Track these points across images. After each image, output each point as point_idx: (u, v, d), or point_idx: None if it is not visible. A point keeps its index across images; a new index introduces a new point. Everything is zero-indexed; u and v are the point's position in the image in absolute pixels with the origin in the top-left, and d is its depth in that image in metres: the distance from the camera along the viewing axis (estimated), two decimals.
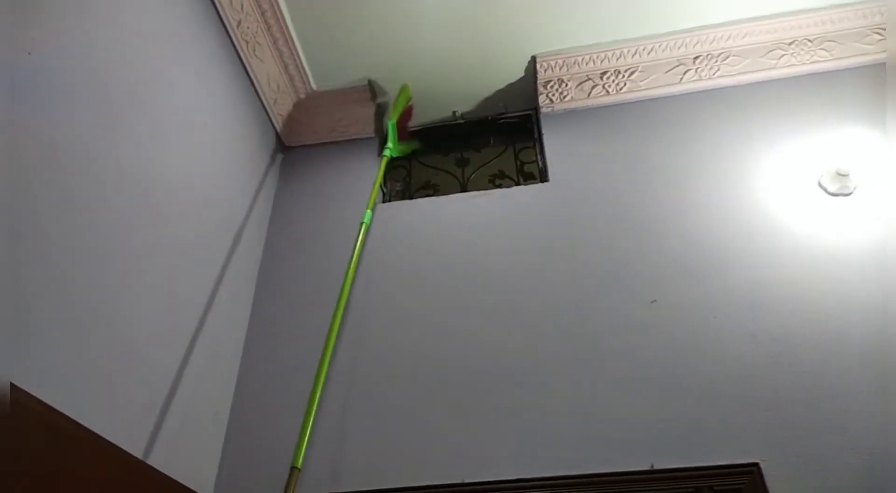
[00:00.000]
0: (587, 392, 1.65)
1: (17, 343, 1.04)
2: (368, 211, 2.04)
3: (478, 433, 1.63)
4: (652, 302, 1.76)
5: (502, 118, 2.55)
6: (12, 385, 0.95)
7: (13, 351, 1.01)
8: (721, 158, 2.10)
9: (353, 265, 1.88)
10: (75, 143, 1.25)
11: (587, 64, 2.41)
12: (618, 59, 2.39)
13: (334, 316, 1.73)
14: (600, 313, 1.80)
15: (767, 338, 1.66)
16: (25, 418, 0.98)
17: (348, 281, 1.84)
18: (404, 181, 2.43)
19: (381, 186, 2.27)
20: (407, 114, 2.42)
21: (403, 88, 2.37)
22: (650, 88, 2.35)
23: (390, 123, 2.33)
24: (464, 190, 2.28)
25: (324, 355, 1.64)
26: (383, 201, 2.26)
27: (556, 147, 2.29)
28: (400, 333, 1.88)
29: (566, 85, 2.41)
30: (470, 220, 2.10)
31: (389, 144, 2.28)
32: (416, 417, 1.69)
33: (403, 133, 2.41)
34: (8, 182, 1.05)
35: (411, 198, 2.24)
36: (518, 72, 2.45)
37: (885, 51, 2.22)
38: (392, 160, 2.31)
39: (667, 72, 2.37)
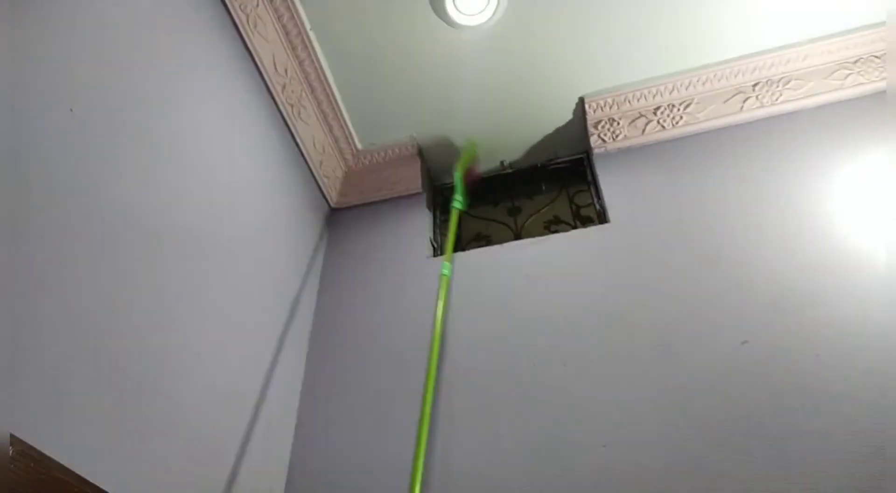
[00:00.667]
0: (679, 444, 1.45)
1: (58, 418, 0.96)
2: (446, 263, 1.98)
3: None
4: (743, 343, 1.56)
5: (553, 164, 2.45)
6: (48, 458, 0.86)
7: (55, 427, 0.93)
8: (792, 184, 1.92)
9: (439, 323, 1.80)
10: (120, 203, 1.21)
11: (639, 100, 2.31)
12: (671, 93, 2.29)
13: (427, 377, 1.63)
14: (685, 359, 1.60)
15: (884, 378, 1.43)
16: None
17: (436, 343, 1.76)
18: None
19: (430, 240, 2.19)
20: (472, 170, 2.38)
21: (471, 144, 2.35)
22: (709, 120, 2.22)
23: (457, 175, 2.27)
24: (517, 238, 2.16)
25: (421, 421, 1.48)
26: (433, 256, 2.16)
27: (613, 187, 2.16)
28: (467, 396, 1.72)
29: (618, 123, 2.31)
30: (528, 268, 1.97)
31: (458, 197, 2.21)
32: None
33: (469, 185, 2.36)
34: (51, 241, 1.00)
35: (463, 250, 2.13)
36: (566, 115, 2.37)
37: None
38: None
39: (726, 101, 2.24)
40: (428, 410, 1.55)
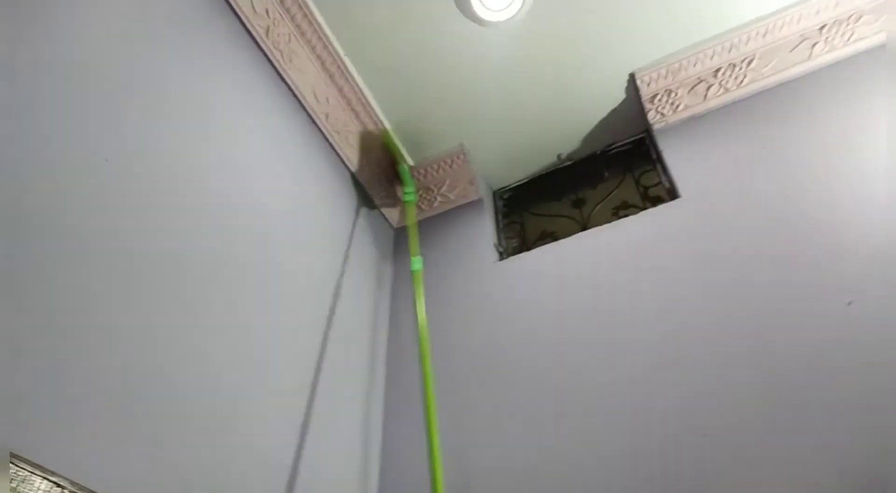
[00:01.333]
0: (793, 424, 1.29)
1: (116, 451, 0.97)
2: (415, 257, 1.95)
3: None
4: (849, 304, 1.38)
5: (613, 148, 2.33)
6: None
7: (109, 461, 0.94)
8: (877, 129, 1.72)
9: (423, 327, 1.76)
10: (179, 245, 1.24)
11: (695, 65, 2.16)
12: (730, 52, 2.12)
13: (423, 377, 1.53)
14: (789, 328, 1.44)
15: None
16: None
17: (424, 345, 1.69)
18: (519, 236, 2.26)
19: (495, 245, 2.13)
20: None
21: (384, 134, 2.26)
22: (776, 73, 2.04)
23: (401, 168, 2.26)
24: (585, 230, 2.05)
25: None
26: (500, 259, 2.09)
27: (680, 161, 2.02)
28: (551, 400, 1.63)
29: (675, 94, 2.17)
30: (596, 257, 1.86)
31: (409, 189, 2.21)
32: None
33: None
34: (108, 284, 1.03)
35: (529, 250, 2.05)
36: (618, 95, 2.25)
37: None
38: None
39: (791, 51, 2.05)
40: (432, 413, 1.45)
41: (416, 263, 1.91)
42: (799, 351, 1.39)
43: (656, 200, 2.08)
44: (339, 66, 2.08)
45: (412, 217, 2.09)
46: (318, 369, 1.60)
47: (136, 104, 1.28)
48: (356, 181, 2.22)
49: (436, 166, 2.38)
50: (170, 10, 1.50)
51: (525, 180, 2.42)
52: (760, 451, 1.28)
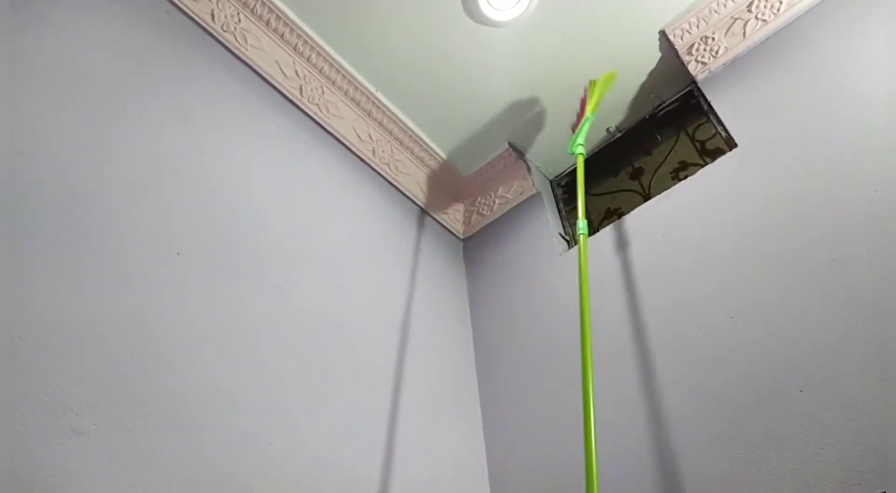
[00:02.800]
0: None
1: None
2: (582, 221, 1.74)
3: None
4: None
5: (661, 110, 2.27)
6: None
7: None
8: None
9: (584, 294, 1.56)
10: (254, 304, 1.39)
11: (726, 5, 2.06)
12: None
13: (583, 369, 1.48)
14: (869, 266, 1.36)
15: None
16: None
17: (586, 318, 1.53)
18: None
19: (560, 235, 2.14)
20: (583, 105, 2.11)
21: (610, 76, 2.05)
22: None
23: (589, 115, 2.01)
24: (647, 199, 2.02)
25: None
26: (568, 249, 2.10)
27: (732, 108, 1.94)
28: (638, 384, 1.63)
29: (712, 39, 2.08)
30: (662, 227, 1.83)
31: (580, 140, 1.95)
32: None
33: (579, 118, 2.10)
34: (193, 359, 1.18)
35: (595, 233, 2.04)
36: (653, 56, 2.19)
37: None
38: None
39: None
40: (590, 402, 1.44)
41: (583, 226, 1.72)
42: (889, 290, 1.31)
43: (715, 153, 2.01)
44: (373, 103, 2.18)
45: (581, 172, 1.88)
46: (403, 391, 1.69)
47: (200, 182, 1.44)
48: (415, 204, 2.31)
49: (488, 171, 2.42)
50: (203, 95, 1.65)
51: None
52: (859, 399, 1.22)
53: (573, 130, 2.06)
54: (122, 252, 1.19)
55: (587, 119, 2.02)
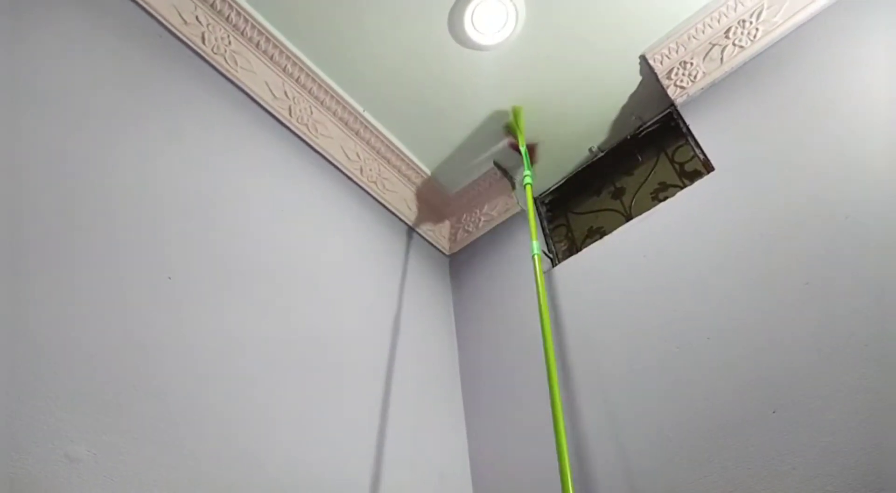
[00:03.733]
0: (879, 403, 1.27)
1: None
2: (535, 242, 1.92)
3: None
4: None
5: (642, 131, 2.33)
6: None
7: None
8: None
9: (545, 320, 1.70)
10: (239, 324, 1.41)
11: (704, 32, 2.13)
12: (736, 9, 2.07)
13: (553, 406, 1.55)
14: (848, 291, 1.41)
15: None
16: None
17: (550, 352, 1.63)
18: (567, 238, 2.30)
19: (544, 253, 2.19)
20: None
21: (516, 111, 2.24)
22: (788, 19, 1.97)
23: (523, 150, 2.21)
24: (629, 219, 2.07)
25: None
26: (553, 267, 2.14)
27: (710, 131, 2.00)
28: (625, 401, 1.68)
29: (691, 64, 2.15)
30: (643, 247, 1.88)
31: (527, 172, 2.15)
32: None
33: (535, 156, 2.34)
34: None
35: (578, 251, 2.09)
36: (633, 80, 2.25)
37: None
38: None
39: None
40: (560, 416, 1.49)
41: (536, 247, 1.90)
42: (861, 313, 1.37)
43: (694, 175, 2.07)
44: (361, 122, 2.22)
45: (530, 201, 2.08)
46: (391, 407, 1.71)
47: (191, 204, 1.46)
48: (401, 221, 2.34)
49: (474, 189, 2.47)
50: (195, 117, 1.68)
51: (562, 181, 2.46)
52: (830, 421, 1.27)
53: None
54: (115, 276, 1.21)
55: (524, 153, 2.22)
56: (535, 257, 1.87)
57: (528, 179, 2.13)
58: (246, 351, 1.38)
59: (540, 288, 1.77)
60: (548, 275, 2.11)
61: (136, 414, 1.09)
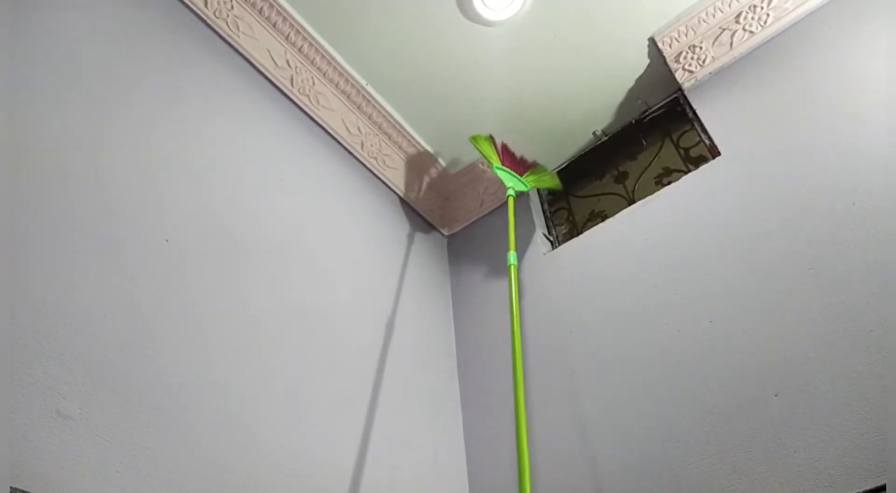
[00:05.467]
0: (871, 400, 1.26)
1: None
2: (512, 252, 1.87)
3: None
4: None
5: (648, 115, 2.30)
6: None
7: None
8: None
9: (515, 316, 1.67)
10: (240, 293, 1.38)
11: (714, 16, 2.10)
12: None
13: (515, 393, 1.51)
14: (847, 275, 1.40)
15: None
16: None
17: (517, 342, 1.61)
18: (568, 222, 2.28)
19: (544, 235, 2.17)
20: (505, 153, 2.30)
21: (474, 141, 2.23)
22: (800, 5, 1.95)
23: (495, 169, 2.19)
24: (632, 203, 2.05)
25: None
26: (552, 249, 2.12)
27: (717, 116, 1.98)
28: (624, 384, 1.66)
29: (700, 48, 2.12)
30: (645, 231, 1.86)
31: (509, 184, 2.13)
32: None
33: (520, 166, 2.30)
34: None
35: (579, 234, 2.07)
36: (641, 62, 2.22)
37: None
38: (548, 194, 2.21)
39: None
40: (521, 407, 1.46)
41: (512, 257, 1.85)
42: (865, 300, 1.36)
43: (699, 160, 2.05)
44: (363, 96, 2.18)
45: (511, 210, 2.04)
46: (385, 385, 1.69)
47: (190, 170, 1.43)
48: (401, 199, 2.31)
49: (475, 169, 2.44)
50: (195, 83, 1.63)
51: (565, 164, 2.43)
52: (832, 405, 1.26)
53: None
54: (113, 238, 1.18)
55: (501, 172, 2.19)
56: (511, 266, 1.82)
57: (510, 191, 2.11)
58: (241, 318, 1.36)
59: (513, 296, 1.73)
60: (546, 258, 2.09)
61: (129, 375, 1.06)
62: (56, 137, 1.18)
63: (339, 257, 1.83)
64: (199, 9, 1.75)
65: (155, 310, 1.17)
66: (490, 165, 2.23)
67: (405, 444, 1.63)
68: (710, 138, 1.97)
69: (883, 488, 1.11)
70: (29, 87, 1.18)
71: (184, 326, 1.21)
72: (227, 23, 1.82)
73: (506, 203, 2.34)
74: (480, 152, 2.23)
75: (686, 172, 1.98)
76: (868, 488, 1.13)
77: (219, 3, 1.81)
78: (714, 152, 1.92)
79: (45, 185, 1.11)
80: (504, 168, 2.20)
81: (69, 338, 1.00)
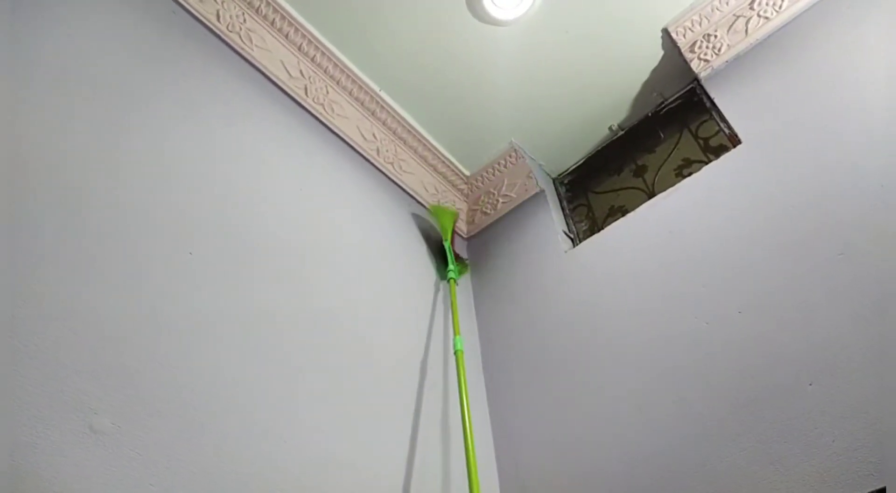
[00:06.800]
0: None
1: None
2: (458, 337, 1.79)
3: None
4: None
5: (664, 107, 2.28)
6: None
7: None
8: None
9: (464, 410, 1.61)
10: (261, 301, 1.39)
11: (727, 3, 2.08)
12: None
13: None
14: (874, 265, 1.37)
15: None
16: None
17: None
18: (588, 218, 2.26)
19: (564, 232, 2.15)
20: (455, 236, 2.26)
21: (435, 211, 2.23)
22: None
23: (447, 245, 2.14)
24: (652, 197, 2.02)
25: None
26: (572, 247, 2.10)
27: (736, 104, 1.95)
28: (647, 382, 1.64)
29: (715, 37, 2.09)
30: (667, 224, 1.83)
31: (451, 267, 2.07)
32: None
33: (457, 254, 2.23)
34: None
35: (600, 230, 2.05)
36: (656, 54, 2.20)
37: None
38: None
39: None
40: None
41: (458, 342, 1.78)
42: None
43: (719, 150, 2.02)
44: (377, 102, 2.19)
45: (454, 295, 1.99)
46: (410, 385, 1.69)
47: (209, 183, 1.44)
48: (418, 202, 2.31)
49: (491, 170, 2.43)
50: (211, 96, 1.65)
51: (582, 161, 2.42)
52: (867, 392, 1.23)
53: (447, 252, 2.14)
54: (137, 251, 1.19)
55: (447, 248, 2.14)
56: (458, 353, 1.75)
57: (452, 274, 2.05)
58: (267, 326, 1.36)
59: (461, 374, 1.69)
60: (567, 256, 2.07)
61: (159, 388, 1.06)
62: (74, 150, 1.19)
63: (360, 263, 1.83)
64: (211, 23, 1.77)
65: (183, 322, 1.18)
66: (442, 238, 2.19)
67: (432, 446, 1.62)
68: (729, 127, 1.94)
69: None
70: (44, 100, 1.20)
71: (212, 336, 1.22)
72: (239, 36, 1.84)
73: (524, 203, 2.35)
74: (438, 222, 2.21)
75: (706, 163, 1.95)
76: None
77: (231, 17, 1.83)
78: (734, 140, 1.89)
79: (69, 200, 1.12)
80: (451, 249, 2.15)
81: (97, 352, 1.01)
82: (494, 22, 2.03)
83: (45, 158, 1.13)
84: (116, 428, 0.97)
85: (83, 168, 1.19)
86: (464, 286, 2.24)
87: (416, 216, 2.24)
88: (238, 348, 1.26)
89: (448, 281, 2.05)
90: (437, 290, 2.10)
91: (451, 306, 1.95)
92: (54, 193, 1.11)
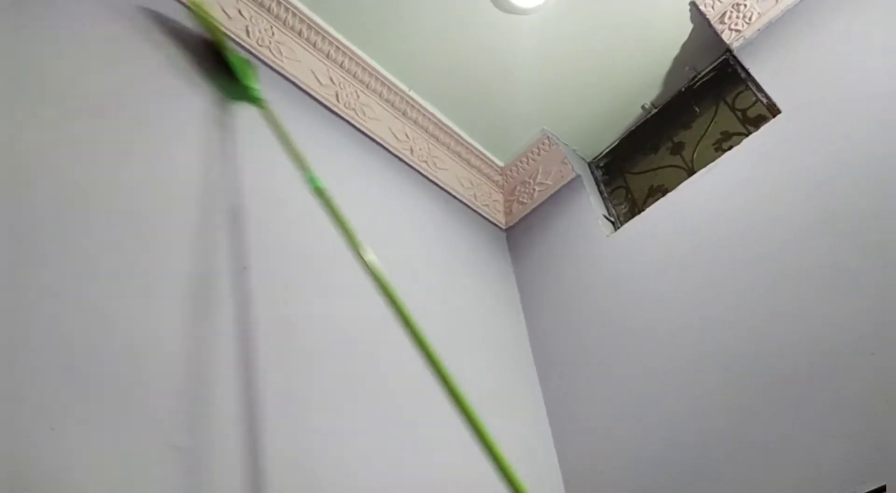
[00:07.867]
0: None
1: None
2: (308, 173, 1.34)
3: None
4: None
5: (697, 81, 2.23)
6: None
7: None
8: None
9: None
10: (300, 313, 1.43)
11: None
12: None
13: None
14: None
15: None
16: None
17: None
18: (627, 200, 2.24)
19: (605, 217, 2.14)
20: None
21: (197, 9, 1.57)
22: None
23: (231, 57, 1.59)
24: (692, 174, 1.99)
25: None
26: (615, 231, 2.09)
27: (772, 73, 1.91)
28: (691, 362, 1.63)
29: (744, 6, 2.04)
30: (710, 201, 1.81)
31: (249, 83, 1.55)
32: None
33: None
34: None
35: (641, 212, 2.03)
36: (685, 28, 2.16)
37: None
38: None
39: None
40: None
41: (316, 179, 1.33)
42: None
43: (758, 120, 1.97)
44: (407, 102, 2.20)
45: (279, 123, 1.46)
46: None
47: (258, 198, 1.48)
48: (455, 198, 2.32)
49: (525, 159, 2.43)
50: (248, 113, 1.69)
51: (616, 142, 2.39)
52: None
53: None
54: (197, 272, 1.23)
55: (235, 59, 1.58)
56: (320, 191, 1.29)
57: (257, 92, 1.52)
58: (331, 334, 1.42)
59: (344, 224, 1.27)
60: (608, 241, 2.06)
61: (225, 404, 1.11)
62: (112, 169, 1.24)
63: (402, 264, 1.84)
64: (242, 40, 1.81)
65: (247, 338, 1.22)
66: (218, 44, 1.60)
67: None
68: (767, 96, 1.90)
69: None
70: (87, 122, 1.25)
71: (271, 351, 1.26)
72: (269, 50, 1.87)
73: (561, 190, 2.33)
74: (204, 25, 1.60)
75: (746, 135, 1.91)
76: None
77: (260, 31, 1.86)
78: (774, 110, 1.85)
79: (124, 220, 1.17)
80: (238, 57, 1.60)
81: (164, 371, 1.06)
82: (517, 11, 2.02)
83: (90, 178, 1.18)
84: (192, 445, 1.01)
85: (132, 190, 1.24)
86: (506, 279, 2.24)
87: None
88: (311, 360, 1.30)
89: (257, 104, 1.52)
90: (490, 284, 2.11)
91: (284, 137, 1.42)
92: (111, 216, 1.16)
